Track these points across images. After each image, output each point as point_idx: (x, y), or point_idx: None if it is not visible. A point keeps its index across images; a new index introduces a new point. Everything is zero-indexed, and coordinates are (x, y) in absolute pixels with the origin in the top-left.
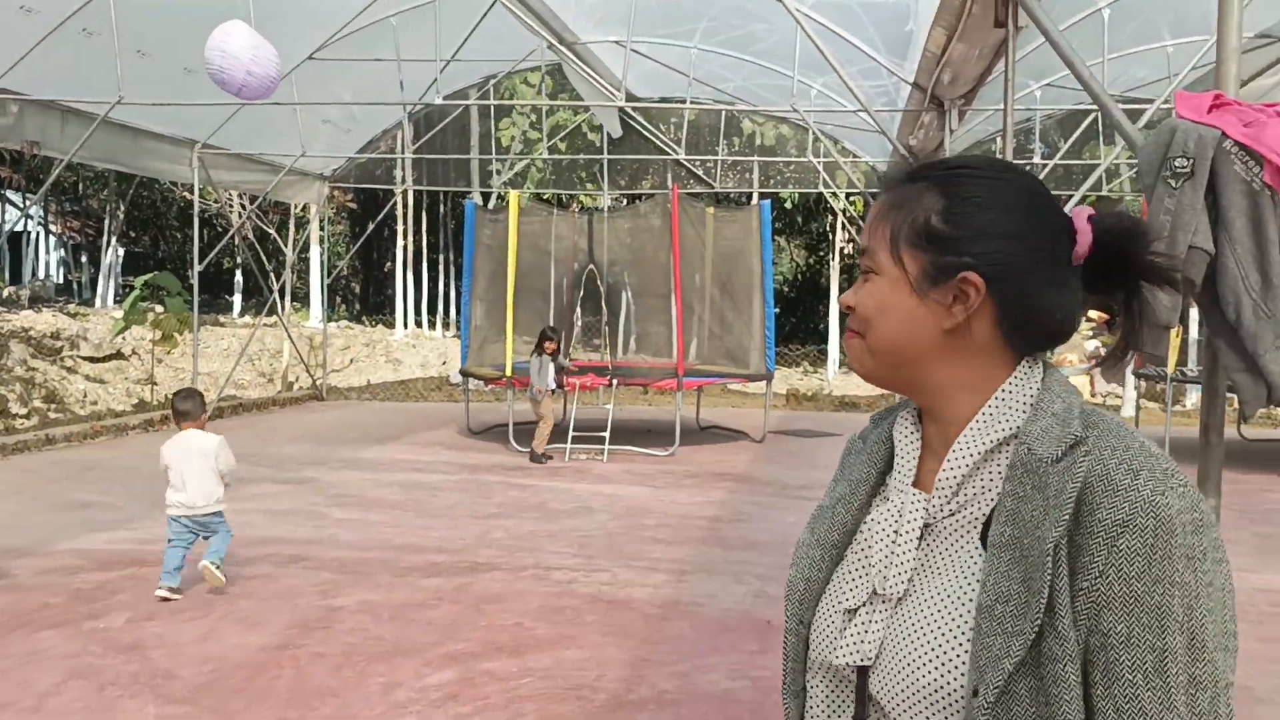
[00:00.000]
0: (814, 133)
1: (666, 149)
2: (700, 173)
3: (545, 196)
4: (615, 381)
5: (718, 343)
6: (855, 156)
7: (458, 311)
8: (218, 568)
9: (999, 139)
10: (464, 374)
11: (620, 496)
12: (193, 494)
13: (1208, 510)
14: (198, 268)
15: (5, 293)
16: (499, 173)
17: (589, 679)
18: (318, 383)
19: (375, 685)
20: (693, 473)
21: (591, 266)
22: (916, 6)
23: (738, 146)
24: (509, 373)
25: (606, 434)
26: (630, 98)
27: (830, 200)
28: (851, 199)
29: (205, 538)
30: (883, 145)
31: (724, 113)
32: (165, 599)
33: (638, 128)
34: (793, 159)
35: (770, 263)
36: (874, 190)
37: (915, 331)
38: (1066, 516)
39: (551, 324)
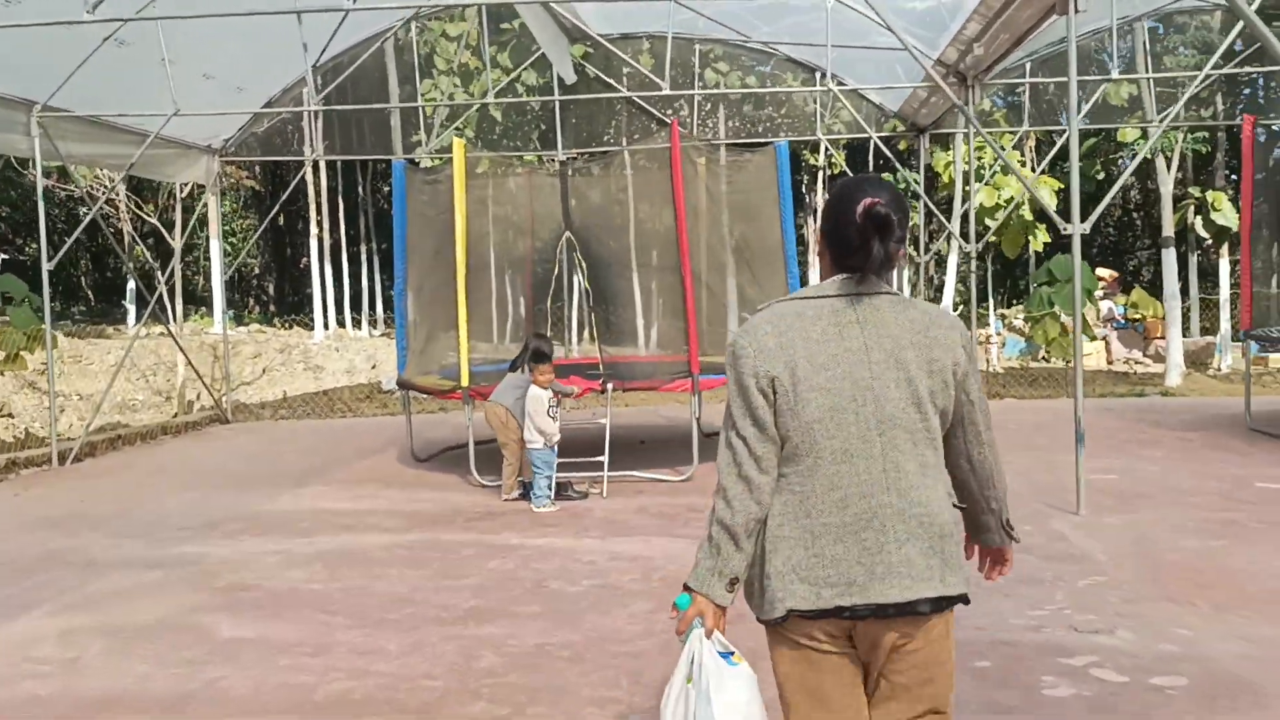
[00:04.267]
0: (830, 74)
1: (642, 89)
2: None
3: (480, 168)
4: (610, 386)
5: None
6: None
7: (386, 308)
8: None
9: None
10: (403, 385)
11: (651, 559)
12: None
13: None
14: (47, 265)
15: None
16: (423, 143)
17: None
18: (220, 401)
19: None
20: None
21: (568, 235)
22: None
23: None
24: (465, 382)
25: (605, 458)
26: (585, 35)
27: (809, 158)
28: (833, 158)
29: None
30: (893, 83)
31: (697, 49)
32: None
33: (598, 72)
34: (794, 89)
35: (792, 220)
36: (862, 135)
37: None
38: None
39: (515, 318)
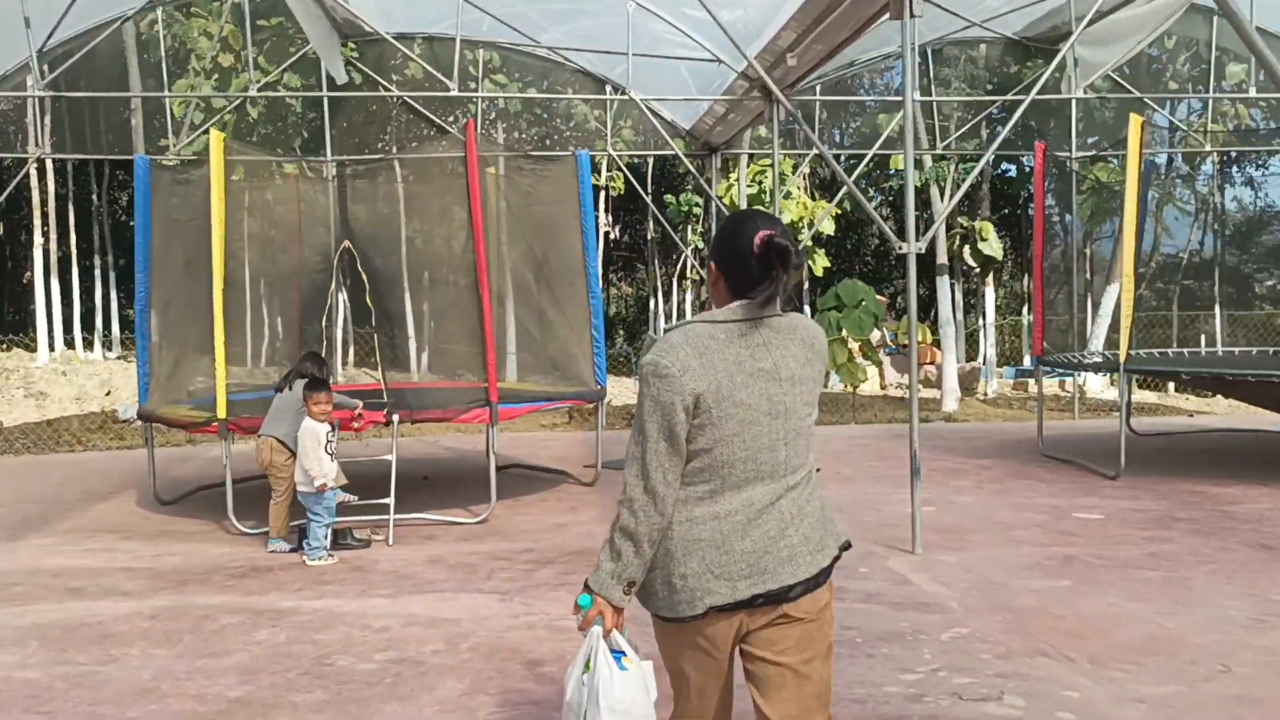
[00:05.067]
0: (632, 95)
1: (431, 91)
2: (456, 130)
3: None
4: (396, 418)
5: (538, 351)
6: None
7: (124, 327)
8: None
9: None
10: (145, 418)
11: (456, 622)
12: None
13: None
14: None
15: None
16: (171, 146)
17: None
18: None
19: None
20: (535, 552)
21: (347, 245)
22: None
23: (481, 113)
24: (223, 414)
25: (391, 499)
26: (358, 30)
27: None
28: (613, 177)
29: None
30: (689, 104)
31: (480, 54)
32: None
33: (369, 71)
34: (589, 97)
35: (594, 237)
36: (658, 152)
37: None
38: None
39: (276, 339)
